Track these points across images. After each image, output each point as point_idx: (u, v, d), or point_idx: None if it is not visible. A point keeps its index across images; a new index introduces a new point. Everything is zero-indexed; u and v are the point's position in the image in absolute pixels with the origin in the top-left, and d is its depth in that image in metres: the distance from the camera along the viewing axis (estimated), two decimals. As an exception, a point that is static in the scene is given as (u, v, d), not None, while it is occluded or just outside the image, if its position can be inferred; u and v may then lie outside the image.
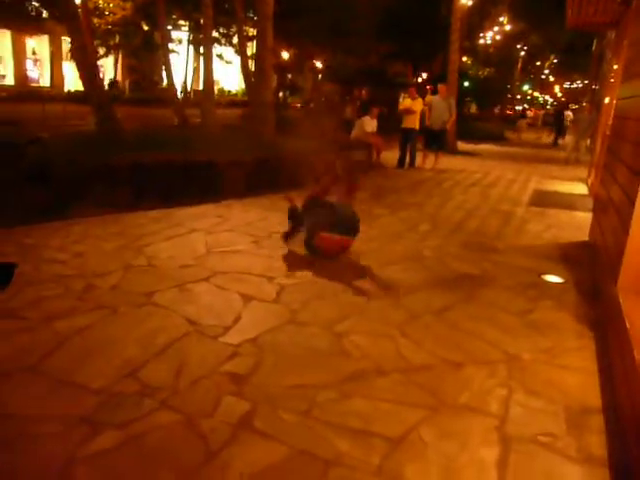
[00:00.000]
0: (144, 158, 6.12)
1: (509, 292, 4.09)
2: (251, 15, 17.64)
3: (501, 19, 30.37)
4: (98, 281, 3.74)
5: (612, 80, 9.74)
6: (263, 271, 4.17)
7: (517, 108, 50.87)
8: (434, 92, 13.00)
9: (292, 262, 4.47)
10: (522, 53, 37.52)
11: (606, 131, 8.17)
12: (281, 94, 22.31)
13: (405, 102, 11.03)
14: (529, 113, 43.03)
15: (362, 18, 18.00)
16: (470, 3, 23.68)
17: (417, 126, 10.92)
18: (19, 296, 3.40)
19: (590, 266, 4.88)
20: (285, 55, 19.99)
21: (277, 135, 10.18)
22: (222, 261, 4.37)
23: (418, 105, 10.90)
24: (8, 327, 3.01)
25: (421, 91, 17.85)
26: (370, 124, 11.02)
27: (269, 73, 10.02)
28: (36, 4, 21.31)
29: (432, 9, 19.83)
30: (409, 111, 10.78)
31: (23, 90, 26.10)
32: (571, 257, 5.20)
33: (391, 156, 11.56)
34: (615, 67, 9.55)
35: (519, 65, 37.94)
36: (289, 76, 22.13)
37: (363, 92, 17.72)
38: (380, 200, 7.52)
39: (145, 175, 6.05)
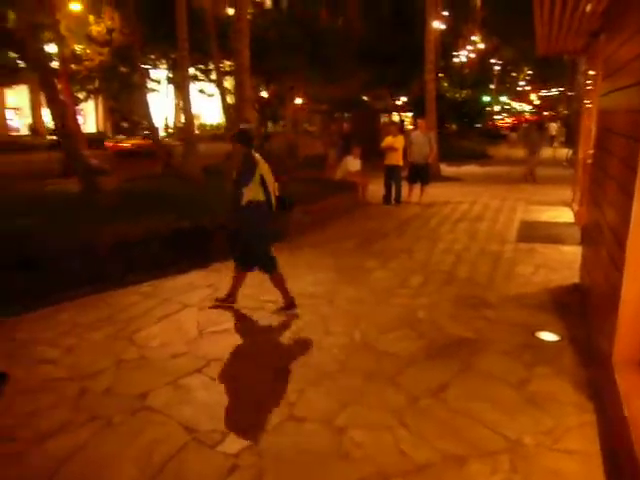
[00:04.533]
0: (131, 229, 6.07)
1: (505, 358, 4.07)
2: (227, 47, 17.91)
3: (474, 38, 31.06)
4: (91, 383, 3.68)
5: (589, 88, 9.59)
6: (251, 353, 4.15)
7: (496, 118, 51.43)
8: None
9: (282, 340, 4.47)
10: (497, 68, 38.31)
11: (588, 149, 7.73)
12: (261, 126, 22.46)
13: (387, 140, 11.11)
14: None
15: (338, 49, 18.35)
16: (443, 27, 24.26)
17: (400, 162, 11.01)
18: (12, 410, 3.35)
19: (583, 316, 4.84)
20: (264, 94, 20.27)
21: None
22: (215, 344, 4.33)
23: (400, 142, 11.01)
24: (-1, 454, 2.94)
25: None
26: (353, 164, 11.16)
27: (249, 123, 10.10)
28: (14, 55, 21.42)
29: (405, 34, 20.23)
30: (391, 148, 10.89)
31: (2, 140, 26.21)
32: (564, 305, 5.18)
33: (376, 189, 11.59)
34: (591, 73, 9.32)
35: (495, 80, 38.64)
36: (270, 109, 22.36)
37: (345, 125, 17.86)
38: (369, 248, 7.53)
39: (133, 246, 6.01)
